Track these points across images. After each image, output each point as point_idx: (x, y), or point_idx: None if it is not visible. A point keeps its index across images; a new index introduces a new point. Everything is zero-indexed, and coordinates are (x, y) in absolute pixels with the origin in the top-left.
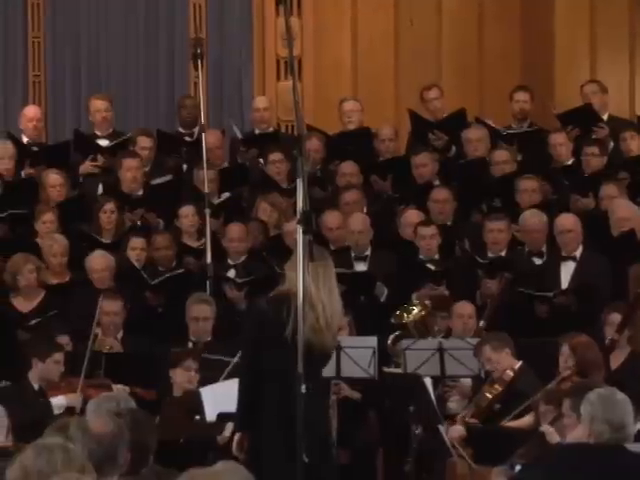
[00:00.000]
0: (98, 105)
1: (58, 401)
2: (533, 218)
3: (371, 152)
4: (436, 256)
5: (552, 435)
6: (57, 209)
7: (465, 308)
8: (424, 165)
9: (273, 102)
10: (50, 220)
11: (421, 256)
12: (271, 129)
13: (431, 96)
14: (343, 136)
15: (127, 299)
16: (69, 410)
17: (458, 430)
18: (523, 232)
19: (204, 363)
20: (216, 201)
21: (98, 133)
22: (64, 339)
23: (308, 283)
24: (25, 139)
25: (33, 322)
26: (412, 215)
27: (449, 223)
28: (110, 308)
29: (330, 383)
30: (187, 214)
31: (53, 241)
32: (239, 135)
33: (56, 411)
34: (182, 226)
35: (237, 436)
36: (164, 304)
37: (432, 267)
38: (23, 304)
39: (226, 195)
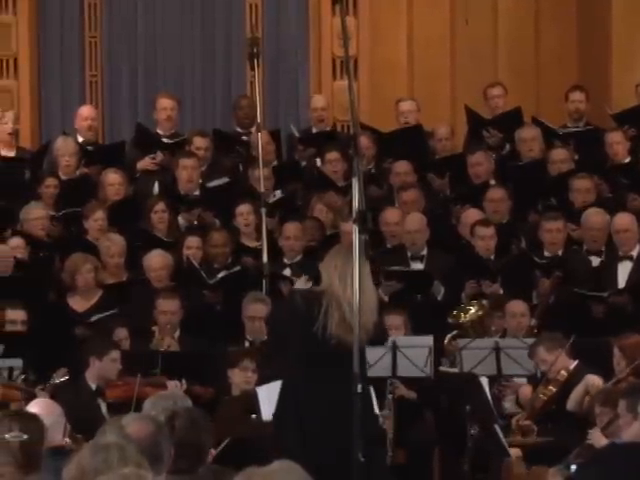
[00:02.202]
0: (165, 103)
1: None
2: (596, 217)
3: (425, 150)
4: (492, 255)
5: (598, 440)
6: (108, 208)
7: (518, 307)
8: (480, 164)
9: (329, 102)
10: (101, 218)
11: (479, 255)
12: (329, 128)
13: (494, 93)
14: (395, 134)
15: (185, 298)
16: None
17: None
18: (584, 231)
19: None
20: (271, 200)
21: (160, 132)
22: (122, 332)
23: (336, 281)
24: (80, 139)
25: (93, 319)
26: (472, 214)
27: (504, 222)
28: (168, 307)
29: (386, 382)
30: (242, 212)
31: (110, 241)
32: (296, 134)
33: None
34: (239, 225)
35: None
36: (222, 303)
37: (492, 266)
38: (80, 303)
39: (279, 194)
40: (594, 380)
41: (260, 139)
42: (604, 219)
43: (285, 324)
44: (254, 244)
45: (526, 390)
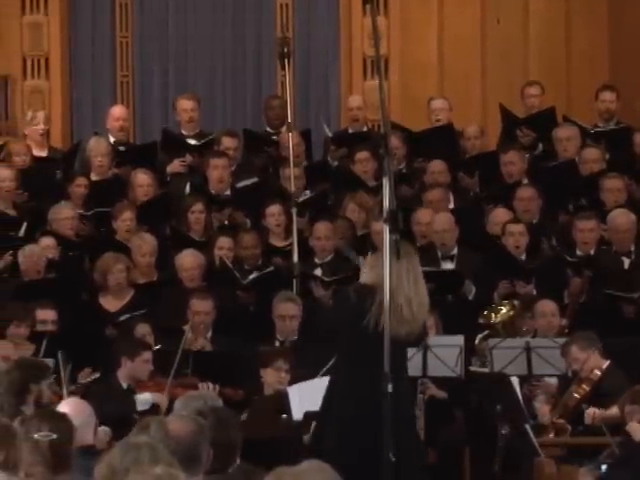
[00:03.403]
0: (185, 104)
1: (144, 397)
2: (621, 218)
3: (455, 149)
4: (523, 255)
5: (637, 432)
6: (137, 208)
7: (548, 306)
8: (513, 163)
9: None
10: (129, 219)
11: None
12: (365, 128)
13: (531, 92)
14: (426, 133)
15: (217, 298)
16: (154, 408)
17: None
18: (610, 232)
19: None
20: (300, 199)
21: (185, 133)
22: (145, 328)
23: (391, 276)
24: (111, 139)
25: (123, 318)
26: (501, 214)
27: (535, 221)
28: (201, 308)
29: (417, 382)
30: (273, 212)
31: (142, 240)
32: (329, 134)
33: (140, 407)
34: (269, 225)
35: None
36: (255, 303)
37: (523, 265)
38: (112, 303)
39: (309, 193)
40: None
41: (290, 139)
42: (629, 220)
43: (335, 317)
44: (282, 244)
45: (544, 410)
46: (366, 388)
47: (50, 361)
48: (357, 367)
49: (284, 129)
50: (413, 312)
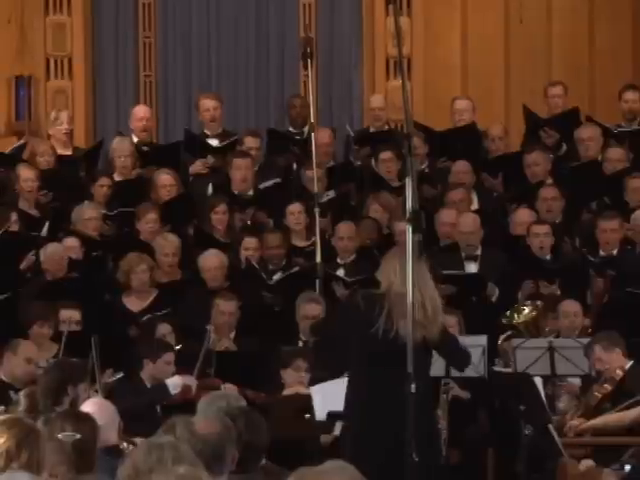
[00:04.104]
0: (207, 104)
1: (173, 381)
2: None
3: (478, 149)
4: (548, 255)
5: None
6: (160, 208)
7: (571, 306)
8: (537, 164)
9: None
10: (153, 219)
11: (535, 254)
12: (386, 127)
13: (554, 92)
14: (449, 133)
15: (242, 298)
16: (186, 390)
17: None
18: (634, 231)
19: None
20: (323, 199)
21: (207, 132)
22: (165, 328)
23: (398, 282)
24: (135, 139)
25: (144, 319)
26: (524, 214)
27: (557, 221)
28: (226, 308)
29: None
30: (294, 212)
31: (165, 240)
32: (351, 133)
33: (173, 390)
34: (290, 224)
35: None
36: (281, 304)
37: (547, 265)
38: (135, 303)
39: (331, 193)
40: None
41: (314, 139)
42: None
43: (338, 325)
44: (304, 244)
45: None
46: (378, 394)
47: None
48: (369, 373)
49: (306, 128)
50: (428, 315)
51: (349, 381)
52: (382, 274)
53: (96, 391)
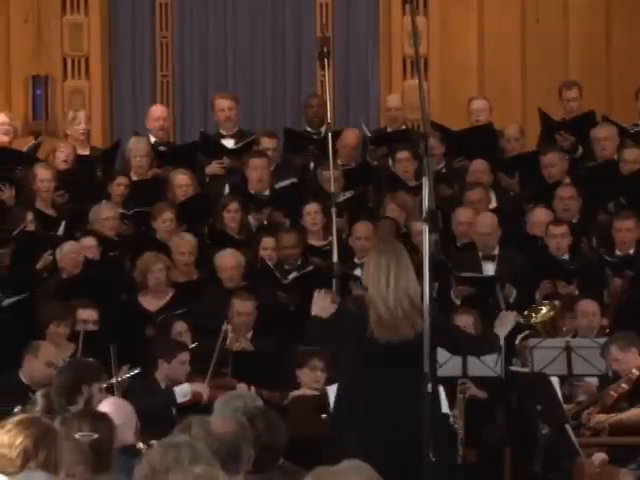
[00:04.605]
0: (222, 104)
1: (182, 388)
2: None
3: (495, 149)
4: (566, 255)
5: None
6: (176, 208)
7: (589, 306)
8: (553, 165)
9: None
10: (169, 219)
11: (552, 254)
12: (403, 127)
13: (570, 96)
14: (466, 133)
15: (258, 298)
16: (196, 397)
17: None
18: None
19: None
20: (340, 199)
21: (223, 132)
22: (181, 326)
23: (370, 283)
24: (152, 139)
25: (160, 319)
26: (541, 214)
27: (574, 221)
28: (243, 308)
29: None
30: (310, 212)
31: (181, 239)
32: (368, 133)
33: (180, 399)
34: (306, 224)
35: None
36: (296, 303)
37: (565, 265)
38: (152, 303)
39: (349, 193)
40: None
41: (330, 139)
42: None
43: (336, 330)
44: (320, 243)
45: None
46: (375, 393)
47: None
48: (365, 374)
49: (323, 128)
50: (392, 313)
51: (342, 383)
52: (365, 275)
53: (109, 389)
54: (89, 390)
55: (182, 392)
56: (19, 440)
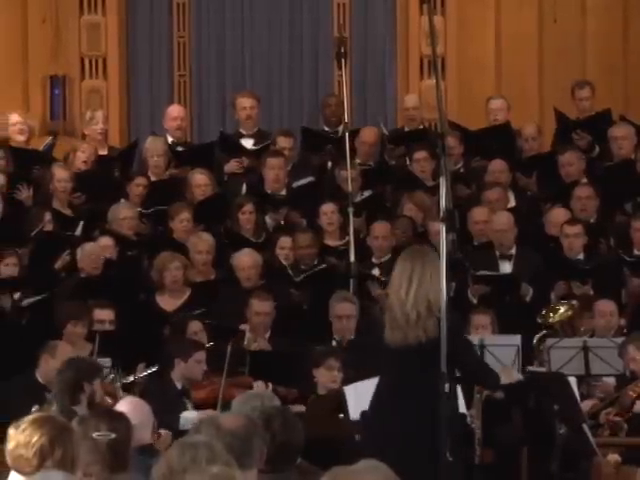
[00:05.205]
0: (243, 102)
1: (189, 415)
2: None
3: (513, 148)
4: (580, 255)
5: None
6: (194, 208)
7: (607, 306)
8: (570, 164)
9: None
10: (186, 219)
11: (565, 254)
12: (421, 127)
13: (583, 95)
14: (483, 132)
15: (275, 298)
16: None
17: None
18: None
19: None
20: (357, 199)
21: (243, 132)
22: (196, 325)
23: (390, 289)
24: (169, 139)
25: (175, 318)
26: (559, 213)
27: (592, 221)
28: (261, 308)
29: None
30: (327, 211)
31: (199, 238)
32: (385, 132)
33: (185, 425)
34: (322, 224)
35: None
36: (309, 302)
37: (579, 265)
38: (169, 302)
39: (367, 193)
40: None
41: (347, 138)
42: None
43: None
44: (337, 243)
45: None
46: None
47: (107, 360)
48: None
49: (340, 128)
50: (406, 318)
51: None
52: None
53: (127, 388)
54: (91, 387)
55: (187, 419)
56: (35, 439)
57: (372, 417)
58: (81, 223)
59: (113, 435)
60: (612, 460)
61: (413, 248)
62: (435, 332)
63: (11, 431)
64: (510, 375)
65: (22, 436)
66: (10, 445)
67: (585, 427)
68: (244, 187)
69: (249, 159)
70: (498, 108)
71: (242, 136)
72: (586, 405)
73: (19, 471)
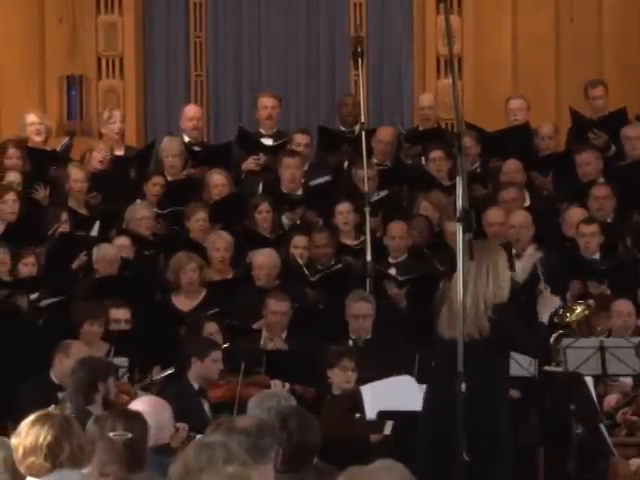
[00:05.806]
0: (265, 102)
1: None
2: None
3: (530, 148)
4: (597, 254)
5: None
6: (210, 208)
7: (624, 306)
8: (588, 164)
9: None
10: (202, 219)
11: (582, 254)
12: (436, 126)
13: (596, 94)
14: (502, 132)
15: (291, 297)
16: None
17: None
18: None
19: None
20: (374, 199)
21: (262, 131)
22: (212, 326)
23: (453, 282)
24: (186, 138)
25: (191, 319)
26: (576, 213)
27: (609, 220)
28: (279, 308)
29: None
30: (342, 211)
31: (217, 236)
32: (402, 131)
33: None
34: (338, 223)
35: None
36: (324, 301)
37: (595, 265)
38: (184, 302)
39: (384, 193)
40: None
41: (364, 138)
42: None
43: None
44: (353, 243)
45: (611, 399)
46: (438, 392)
47: (124, 360)
48: (436, 374)
49: (357, 127)
50: (479, 312)
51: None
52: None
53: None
54: (105, 386)
55: None
56: (41, 438)
57: (430, 408)
58: (97, 223)
59: (129, 435)
60: (635, 465)
61: (484, 244)
62: (488, 331)
63: (14, 440)
64: (551, 304)
65: (27, 440)
66: (19, 454)
67: (602, 427)
68: (260, 186)
69: (266, 156)
70: (518, 108)
71: (262, 136)
72: (611, 399)
73: (34, 476)
